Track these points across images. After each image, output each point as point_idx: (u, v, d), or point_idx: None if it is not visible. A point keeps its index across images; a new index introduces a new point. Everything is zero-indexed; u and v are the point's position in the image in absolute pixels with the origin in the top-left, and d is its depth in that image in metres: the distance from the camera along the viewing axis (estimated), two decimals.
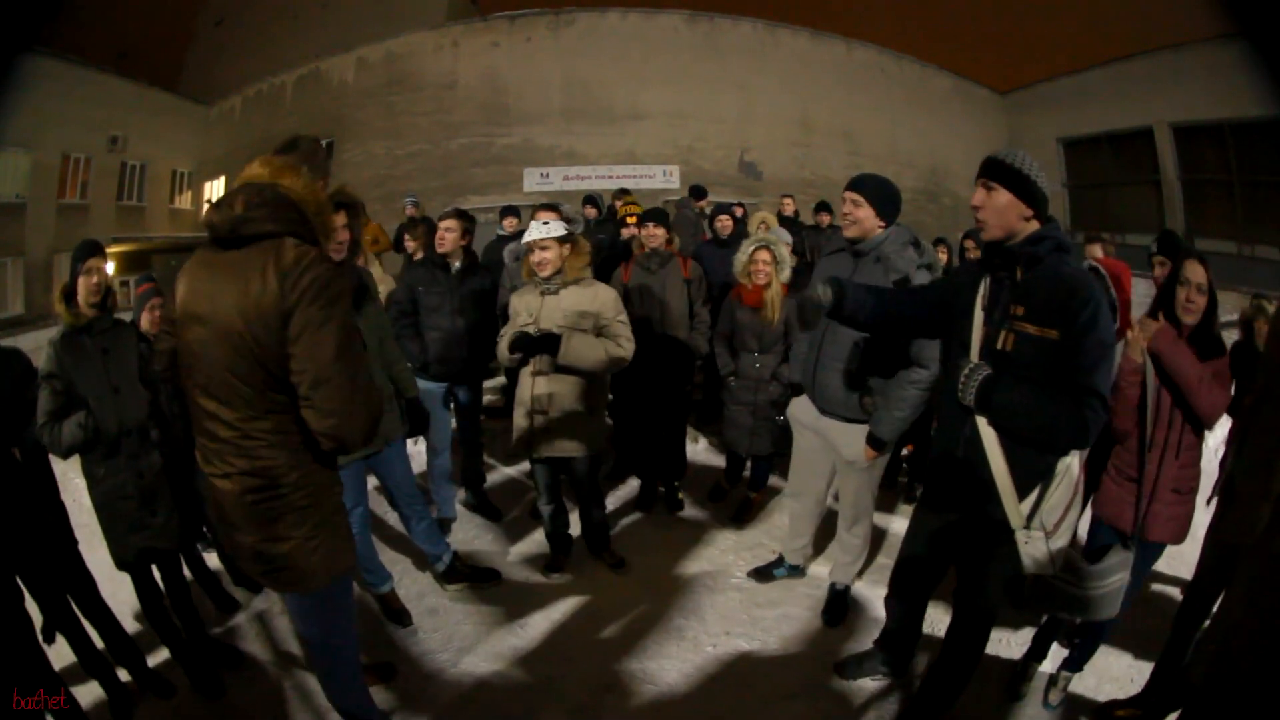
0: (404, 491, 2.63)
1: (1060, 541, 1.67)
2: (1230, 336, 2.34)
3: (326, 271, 1.37)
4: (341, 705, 1.80)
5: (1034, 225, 1.66)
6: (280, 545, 1.43)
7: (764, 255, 3.04)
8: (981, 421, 1.67)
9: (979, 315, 1.72)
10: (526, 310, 2.62)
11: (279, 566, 1.45)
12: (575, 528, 3.06)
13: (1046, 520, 1.64)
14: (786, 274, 3.08)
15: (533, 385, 2.62)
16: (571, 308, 2.55)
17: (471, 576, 2.85)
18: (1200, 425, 1.93)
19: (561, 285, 2.58)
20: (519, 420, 2.68)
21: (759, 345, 3.10)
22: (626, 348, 2.56)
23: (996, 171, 1.66)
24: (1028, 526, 1.65)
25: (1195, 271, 1.91)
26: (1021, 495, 1.65)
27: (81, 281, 2.09)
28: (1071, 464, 1.65)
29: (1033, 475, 1.65)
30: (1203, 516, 2.03)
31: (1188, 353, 1.87)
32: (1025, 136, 13.78)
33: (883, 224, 2.26)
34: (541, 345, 2.49)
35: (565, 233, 2.57)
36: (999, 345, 1.65)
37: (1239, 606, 1.61)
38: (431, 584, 2.86)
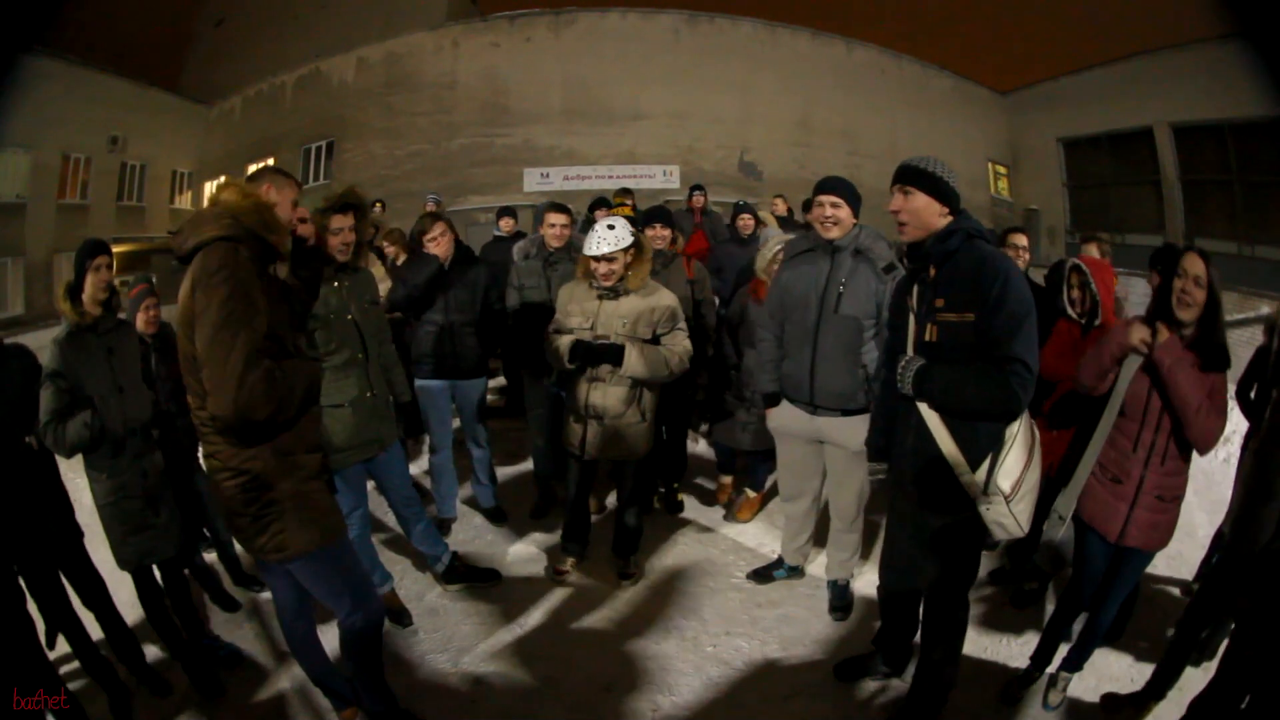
0: (401, 494, 2.63)
1: (1023, 505, 1.75)
2: (1240, 336, 2.33)
3: (216, 260, 1.47)
4: (362, 683, 1.96)
5: (949, 220, 1.78)
6: (260, 522, 1.62)
7: None
8: (923, 407, 1.79)
9: (911, 315, 1.87)
10: (582, 313, 2.56)
11: (266, 539, 1.63)
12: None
13: (1003, 484, 1.72)
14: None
15: (588, 392, 2.59)
16: (632, 315, 2.50)
17: (471, 576, 2.85)
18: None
19: (624, 292, 2.51)
20: (572, 423, 2.67)
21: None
22: (685, 359, 2.55)
23: (910, 176, 1.79)
24: (985, 493, 1.73)
25: (1194, 264, 1.86)
26: (974, 466, 1.74)
27: (91, 278, 2.09)
28: (1020, 429, 1.73)
29: (982, 445, 1.74)
30: (1200, 516, 2.02)
31: (1191, 373, 1.81)
32: (1025, 136, 13.79)
33: (855, 220, 2.38)
34: (604, 356, 2.46)
35: (633, 240, 2.47)
36: (926, 337, 1.79)
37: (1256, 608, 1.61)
38: (431, 584, 2.86)
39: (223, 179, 1.69)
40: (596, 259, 2.45)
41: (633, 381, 2.55)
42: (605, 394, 2.58)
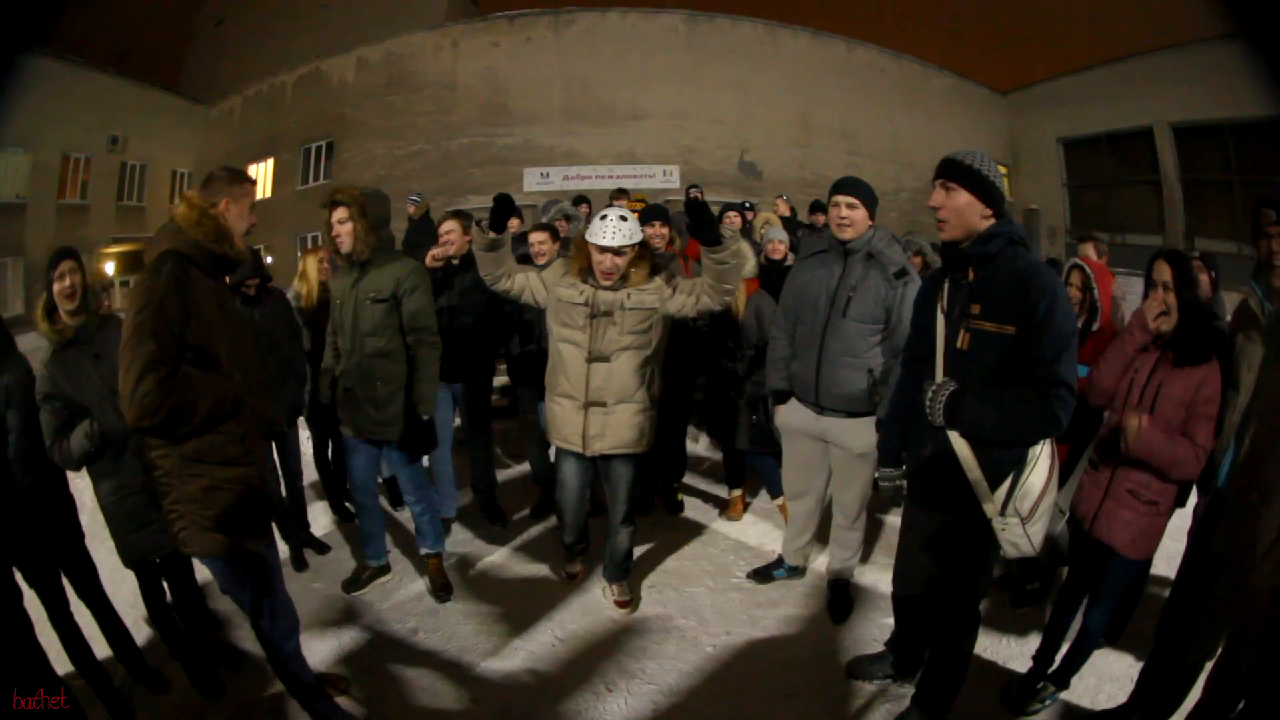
0: (413, 482, 2.71)
1: (1038, 525, 1.71)
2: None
3: (145, 273, 1.62)
4: (284, 682, 2.06)
5: (991, 222, 1.69)
6: (169, 515, 1.73)
7: None
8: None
9: (941, 317, 1.77)
10: (579, 290, 2.32)
11: (175, 530, 1.73)
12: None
13: (1021, 506, 1.68)
14: (748, 269, 3.13)
15: (589, 374, 2.34)
16: (639, 305, 2.30)
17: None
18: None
19: (622, 286, 2.32)
20: (569, 414, 2.41)
21: (733, 342, 3.17)
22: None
23: (954, 172, 1.69)
24: (1003, 514, 1.69)
25: (1160, 271, 1.84)
26: (994, 485, 1.69)
27: (55, 287, 2.02)
28: (1043, 449, 1.68)
29: (1004, 465, 1.68)
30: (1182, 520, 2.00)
31: (1160, 441, 1.81)
32: (1025, 136, 13.80)
33: (870, 222, 2.34)
34: (708, 218, 2.11)
35: (642, 238, 2.32)
36: (958, 344, 1.70)
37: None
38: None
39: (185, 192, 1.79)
40: (603, 250, 2.25)
41: (643, 359, 2.35)
42: (610, 374, 2.33)
